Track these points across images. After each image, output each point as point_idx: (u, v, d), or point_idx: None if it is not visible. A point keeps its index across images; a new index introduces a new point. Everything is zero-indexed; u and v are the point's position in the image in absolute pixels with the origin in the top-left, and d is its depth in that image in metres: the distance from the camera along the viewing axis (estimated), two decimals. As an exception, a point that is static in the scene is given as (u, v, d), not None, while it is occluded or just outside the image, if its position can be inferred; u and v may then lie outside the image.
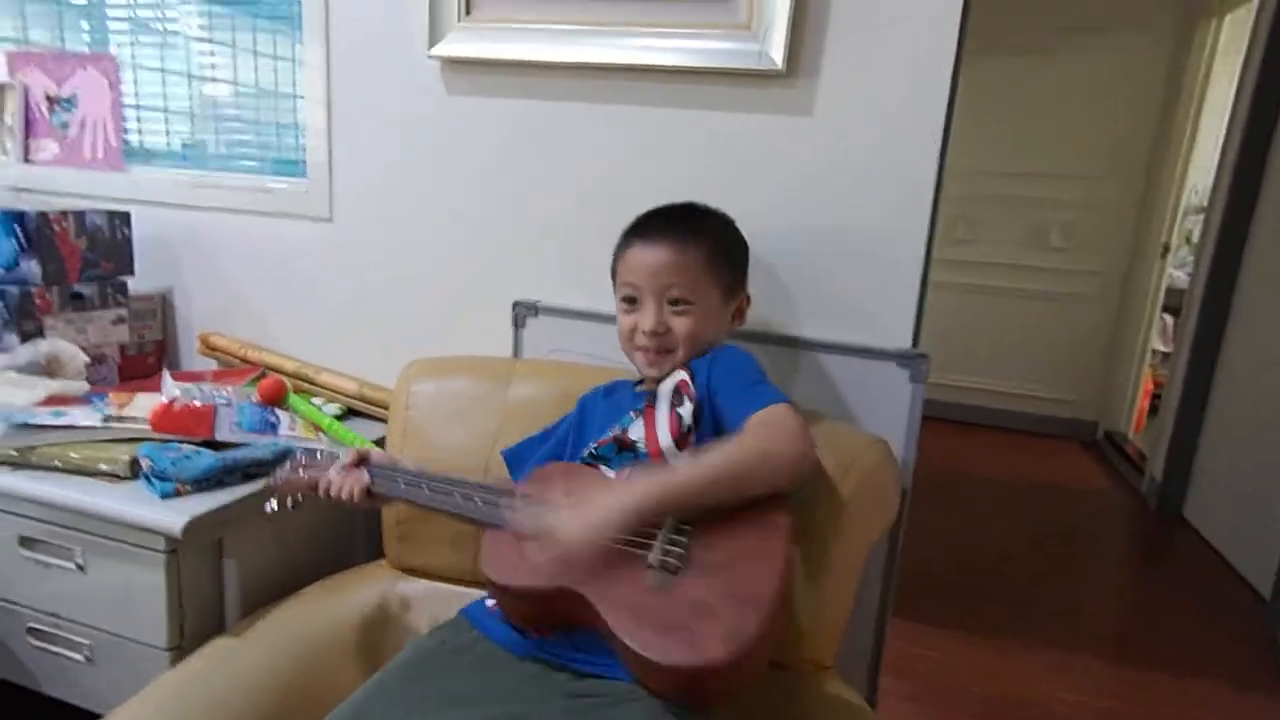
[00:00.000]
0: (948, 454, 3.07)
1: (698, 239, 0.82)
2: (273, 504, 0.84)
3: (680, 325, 0.81)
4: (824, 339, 1.00)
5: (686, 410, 0.77)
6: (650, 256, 0.81)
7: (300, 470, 0.84)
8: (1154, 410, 3.00)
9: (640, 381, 0.88)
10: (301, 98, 1.27)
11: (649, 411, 0.79)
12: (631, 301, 0.84)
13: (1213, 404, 2.46)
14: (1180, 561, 2.33)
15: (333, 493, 0.79)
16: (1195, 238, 2.76)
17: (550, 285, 1.14)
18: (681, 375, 0.81)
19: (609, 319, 1.06)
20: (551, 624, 0.69)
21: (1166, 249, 3.00)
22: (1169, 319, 3.05)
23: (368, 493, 0.79)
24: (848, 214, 1.00)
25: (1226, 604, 2.04)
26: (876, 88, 0.96)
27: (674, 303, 0.81)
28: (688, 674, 0.58)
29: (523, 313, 1.13)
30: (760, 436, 0.69)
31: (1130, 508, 2.71)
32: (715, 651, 0.57)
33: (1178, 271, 3.00)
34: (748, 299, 0.89)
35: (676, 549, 0.65)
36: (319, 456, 0.87)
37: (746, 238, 0.91)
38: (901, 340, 0.99)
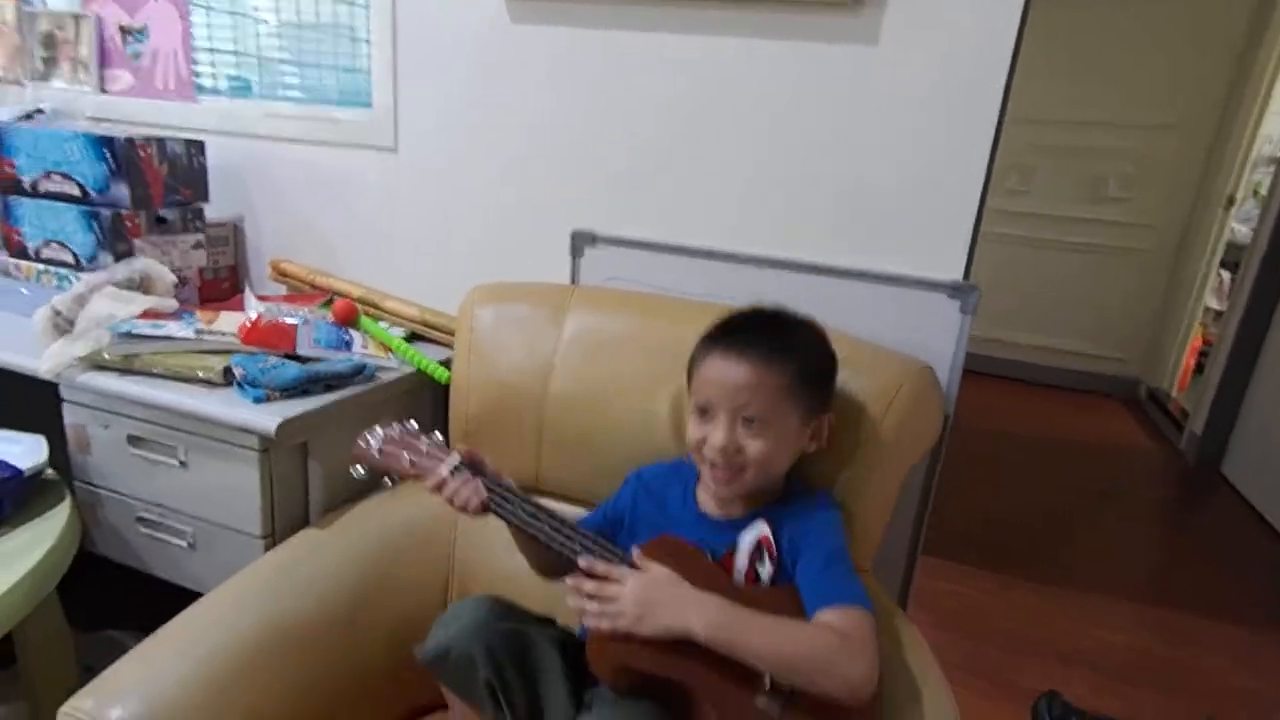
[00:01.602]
0: (988, 409, 3.07)
1: (784, 359, 0.75)
2: (359, 469, 0.80)
3: (753, 448, 0.74)
4: (878, 269, 1.02)
5: (766, 571, 0.75)
6: (730, 373, 0.75)
7: (402, 453, 0.79)
8: (1199, 368, 2.94)
9: (697, 478, 0.83)
10: (367, 32, 1.29)
11: (728, 560, 0.77)
12: (704, 412, 0.77)
13: (1262, 362, 2.41)
14: (1214, 514, 2.33)
15: (445, 496, 0.76)
16: (1264, 190, 2.64)
17: (608, 215, 1.17)
18: (763, 530, 0.76)
19: (663, 249, 1.10)
20: (640, 688, 0.71)
21: (1231, 201, 2.88)
22: (1226, 275, 2.95)
23: (483, 506, 0.76)
24: (907, 145, 1.00)
25: (1257, 554, 2.05)
26: (944, 17, 0.95)
27: (749, 421, 0.75)
28: None
29: (581, 242, 1.16)
30: (833, 647, 0.67)
31: (1168, 463, 2.70)
32: None
33: (1240, 226, 2.89)
34: (829, 420, 0.81)
35: None
36: (413, 428, 0.81)
37: (806, 164, 0.89)
38: (954, 272, 1.01)
